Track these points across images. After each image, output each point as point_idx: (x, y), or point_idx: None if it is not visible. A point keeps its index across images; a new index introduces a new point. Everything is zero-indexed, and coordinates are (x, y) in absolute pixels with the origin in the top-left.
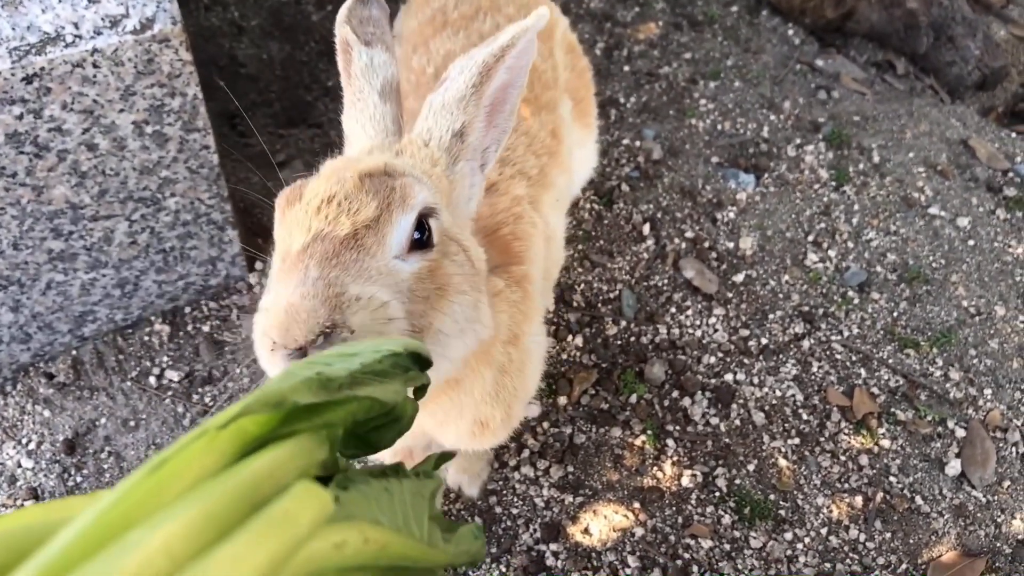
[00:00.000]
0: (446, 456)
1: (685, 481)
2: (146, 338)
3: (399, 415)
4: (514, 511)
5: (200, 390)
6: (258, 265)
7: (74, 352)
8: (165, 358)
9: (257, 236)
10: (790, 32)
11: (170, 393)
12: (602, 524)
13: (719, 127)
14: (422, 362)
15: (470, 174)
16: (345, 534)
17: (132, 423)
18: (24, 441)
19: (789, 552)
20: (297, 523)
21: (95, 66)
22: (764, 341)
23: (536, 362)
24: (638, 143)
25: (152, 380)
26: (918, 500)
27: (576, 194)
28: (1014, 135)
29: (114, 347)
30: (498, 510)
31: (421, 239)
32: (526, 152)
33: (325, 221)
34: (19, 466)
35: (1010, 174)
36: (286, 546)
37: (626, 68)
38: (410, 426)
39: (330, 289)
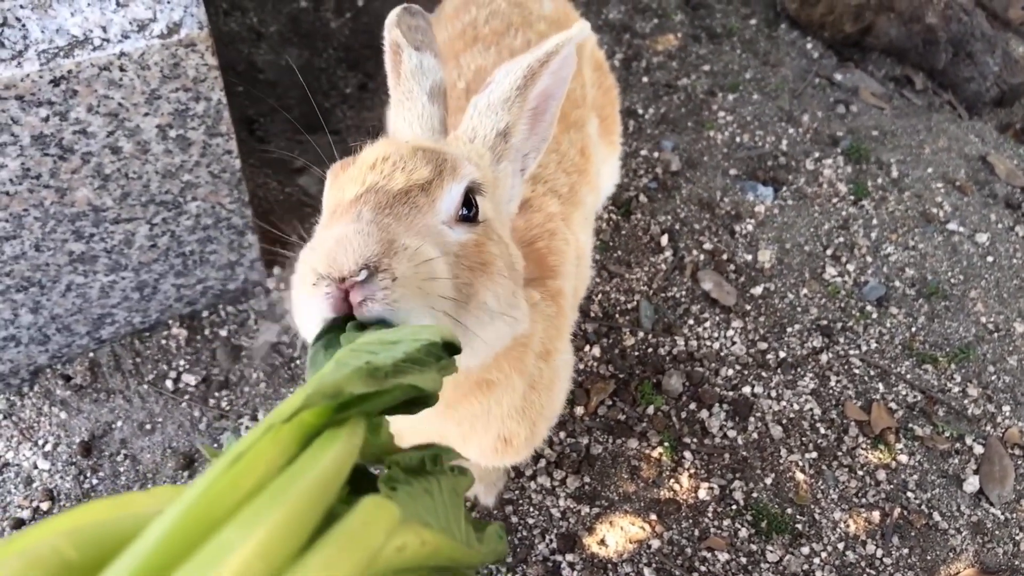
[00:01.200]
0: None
1: (702, 494)
2: (163, 341)
3: (428, 396)
4: (530, 521)
5: (217, 394)
6: (276, 270)
7: (91, 354)
8: (182, 362)
9: (276, 241)
10: (809, 46)
11: (187, 397)
12: (618, 535)
13: (737, 139)
14: (452, 350)
15: (512, 175)
16: (405, 537)
17: (148, 426)
18: (40, 442)
19: (806, 566)
20: (375, 536)
21: (122, 69)
22: (782, 354)
23: (564, 381)
24: (656, 154)
25: (169, 384)
26: (936, 516)
27: (599, 210)
28: None
29: (131, 350)
30: (514, 520)
31: (468, 215)
32: (557, 170)
33: (380, 175)
34: (35, 467)
35: None
36: (367, 557)
37: (645, 79)
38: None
39: (381, 232)
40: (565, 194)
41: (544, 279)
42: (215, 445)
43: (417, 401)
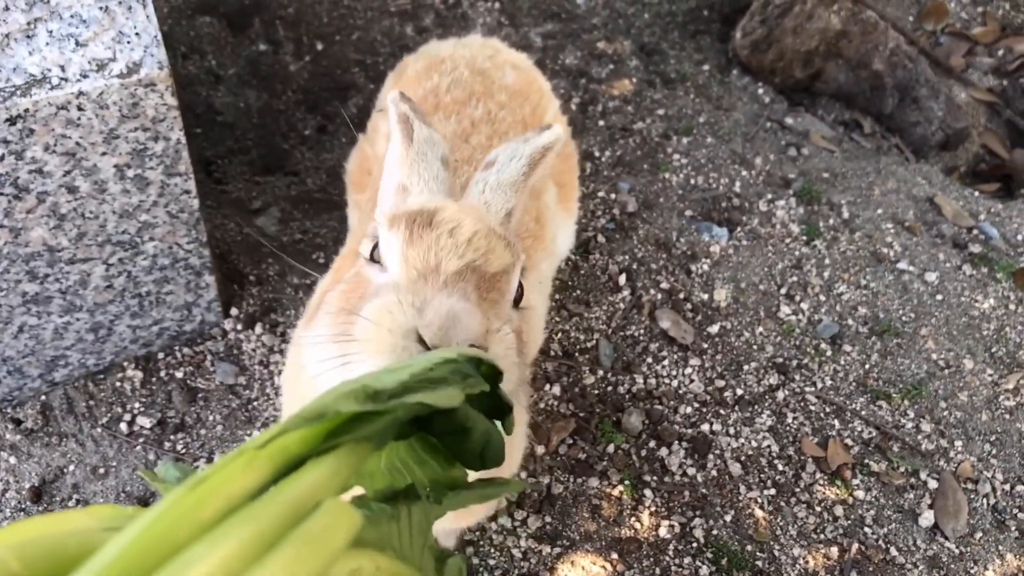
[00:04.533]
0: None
1: (663, 532)
2: (118, 384)
3: (464, 424)
4: (491, 562)
5: (172, 437)
6: (234, 311)
7: (44, 397)
8: (137, 404)
9: (233, 282)
10: (760, 91)
11: (141, 440)
12: (580, 575)
13: (692, 181)
14: (486, 371)
15: None
16: (360, 561)
17: (102, 470)
18: None
19: None
20: (333, 539)
21: (80, 109)
22: (740, 392)
23: (520, 445)
24: (613, 196)
25: (123, 426)
26: (893, 551)
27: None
28: (977, 194)
29: (85, 392)
30: (475, 561)
31: (517, 297)
32: None
33: (477, 253)
34: None
35: (974, 231)
36: (324, 562)
37: (601, 123)
38: (498, 455)
39: (483, 315)
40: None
41: None
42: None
43: (454, 434)
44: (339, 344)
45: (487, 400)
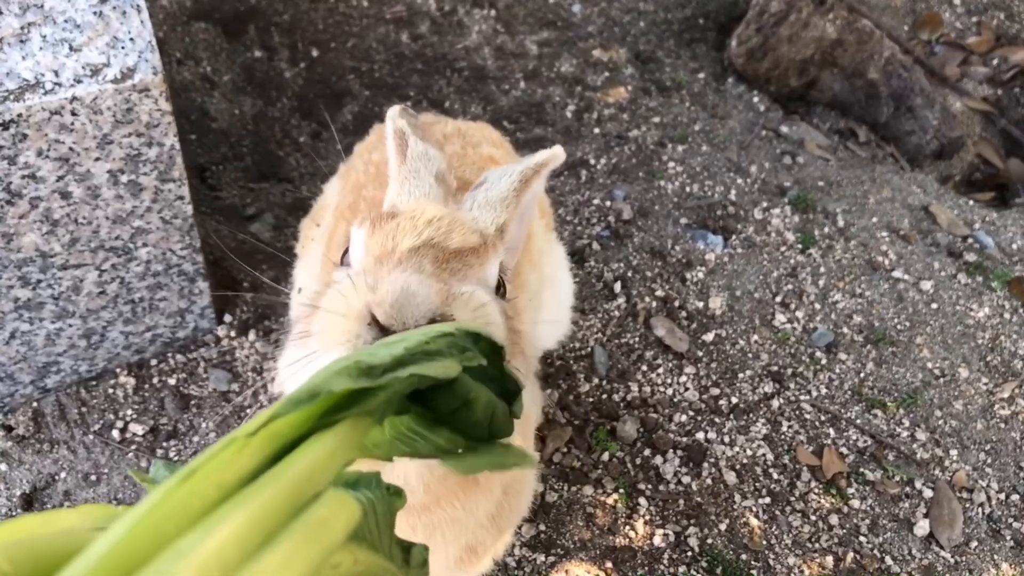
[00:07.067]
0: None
1: (657, 540)
2: (110, 390)
3: (466, 396)
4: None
5: (165, 444)
6: (227, 318)
7: (35, 404)
8: (129, 411)
9: (226, 288)
10: (755, 99)
11: (134, 447)
12: None
13: (687, 189)
14: (485, 346)
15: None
16: (340, 555)
17: (93, 477)
18: None
19: None
20: (333, 530)
21: (73, 114)
22: (734, 400)
23: (531, 483)
24: (608, 203)
25: (115, 433)
26: (888, 560)
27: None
28: (971, 203)
29: (77, 399)
30: None
31: (498, 290)
32: None
33: (437, 231)
34: None
35: (969, 240)
36: (324, 553)
37: (596, 131)
38: (505, 425)
39: (441, 284)
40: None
41: None
42: None
43: (459, 410)
44: (301, 344)
45: (495, 384)
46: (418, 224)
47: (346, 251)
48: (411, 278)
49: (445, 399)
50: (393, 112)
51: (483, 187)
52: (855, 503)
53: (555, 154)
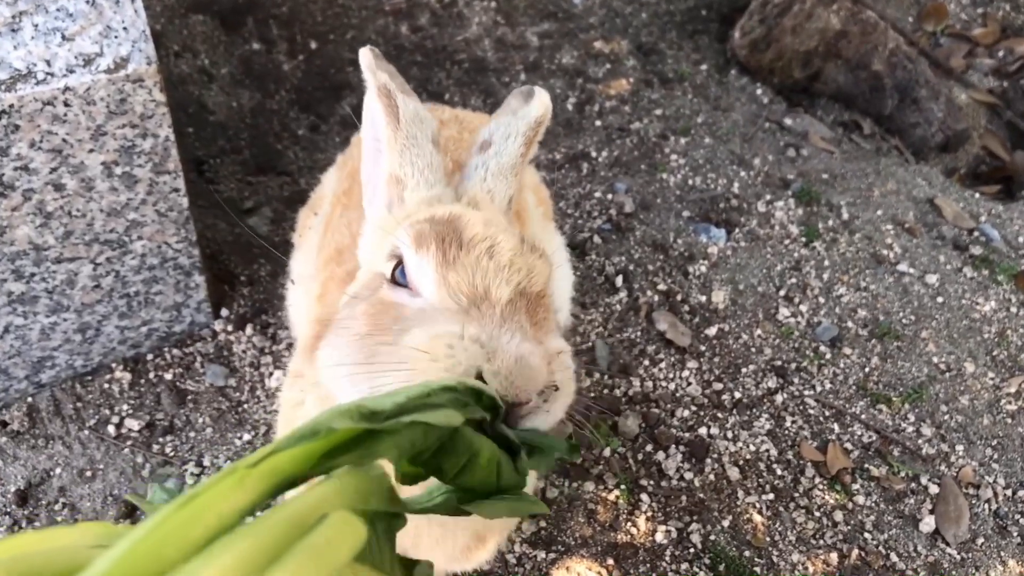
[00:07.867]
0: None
1: (659, 537)
2: (106, 385)
3: (469, 450)
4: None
5: (161, 440)
6: (224, 312)
7: (30, 399)
8: (125, 406)
9: (224, 282)
10: (759, 91)
11: (129, 442)
12: None
13: (690, 182)
14: (487, 403)
15: None
16: (342, 572)
17: (89, 473)
18: None
19: None
20: (338, 552)
21: (66, 104)
22: (737, 395)
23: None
24: (610, 196)
25: (111, 429)
26: (893, 557)
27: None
28: (977, 195)
29: (72, 394)
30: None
31: None
32: None
33: (522, 275)
34: None
35: (975, 233)
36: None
37: (598, 123)
38: (512, 478)
39: (541, 347)
40: None
41: None
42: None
43: (466, 469)
44: (368, 373)
45: (498, 440)
46: (502, 266)
47: (398, 265)
48: (523, 347)
49: (450, 460)
50: (368, 59)
51: (492, 150)
52: (860, 499)
53: (544, 103)
